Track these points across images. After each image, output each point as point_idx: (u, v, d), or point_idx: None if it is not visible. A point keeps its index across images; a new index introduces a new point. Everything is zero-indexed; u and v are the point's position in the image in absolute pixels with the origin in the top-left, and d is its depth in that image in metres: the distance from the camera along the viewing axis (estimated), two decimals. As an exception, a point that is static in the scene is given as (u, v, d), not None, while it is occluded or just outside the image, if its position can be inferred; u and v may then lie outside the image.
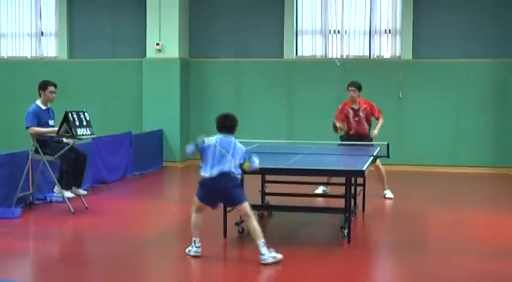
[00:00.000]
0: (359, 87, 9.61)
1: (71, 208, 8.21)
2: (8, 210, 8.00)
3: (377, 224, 8.41)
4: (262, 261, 5.92)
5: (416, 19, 13.05)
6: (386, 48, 13.31)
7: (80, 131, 8.15)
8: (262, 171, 7.36)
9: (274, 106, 13.51)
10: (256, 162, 6.18)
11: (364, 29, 13.31)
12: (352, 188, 7.51)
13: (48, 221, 8.12)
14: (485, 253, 6.63)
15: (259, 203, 8.19)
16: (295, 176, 7.91)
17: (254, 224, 6.04)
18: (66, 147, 8.32)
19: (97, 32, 14.34)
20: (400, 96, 13.03)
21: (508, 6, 12.75)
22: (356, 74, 12.28)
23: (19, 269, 6.17)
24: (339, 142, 9.65)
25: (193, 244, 6.25)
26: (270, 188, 8.39)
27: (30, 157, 8.42)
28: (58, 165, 8.45)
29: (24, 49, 14.83)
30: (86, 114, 8.40)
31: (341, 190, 7.30)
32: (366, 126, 9.63)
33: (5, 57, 14.93)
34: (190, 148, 6.16)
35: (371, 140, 9.52)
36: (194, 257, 6.21)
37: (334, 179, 8.50)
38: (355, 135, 9.55)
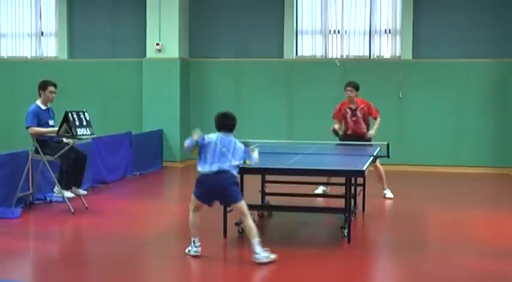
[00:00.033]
0: (356, 87, 9.62)
1: (71, 208, 8.21)
2: (8, 210, 8.00)
3: (377, 224, 8.41)
4: (256, 260, 5.94)
5: (416, 19, 13.05)
6: (387, 48, 13.31)
7: (80, 131, 8.15)
8: (262, 171, 7.39)
9: (274, 106, 13.51)
10: (255, 157, 6.27)
11: (364, 29, 13.31)
12: (352, 188, 7.51)
13: (48, 221, 8.12)
14: (485, 253, 6.63)
15: (259, 203, 8.19)
16: (295, 176, 7.91)
17: (250, 223, 6.06)
18: (66, 147, 8.32)
19: (97, 32, 14.34)
20: (400, 96, 13.03)
21: (508, 6, 12.75)
22: (356, 74, 12.29)
23: (19, 269, 6.17)
24: (338, 142, 9.65)
25: (192, 244, 6.25)
26: (270, 188, 8.39)
27: (30, 157, 8.42)
28: (58, 165, 8.45)
29: (24, 49, 14.83)
30: (86, 114, 8.40)
31: (341, 190, 7.30)
32: (364, 126, 9.64)
33: (5, 57, 14.93)
34: (189, 143, 6.15)
35: (369, 139, 9.53)
36: (194, 256, 6.21)
37: (334, 179, 8.50)
38: (353, 135, 9.56)
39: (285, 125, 13.42)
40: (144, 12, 13.43)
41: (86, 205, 8.57)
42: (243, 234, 6.94)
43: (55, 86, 8.63)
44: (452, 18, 12.99)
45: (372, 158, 7.70)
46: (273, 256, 5.98)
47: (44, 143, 8.39)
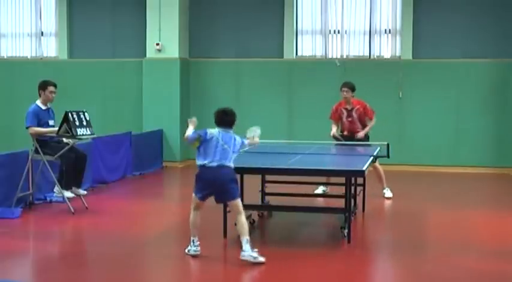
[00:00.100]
0: (352, 88, 9.63)
1: (71, 208, 8.21)
2: (8, 210, 8.00)
3: (377, 224, 8.41)
4: (241, 257, 5.97)
5: (416, 19, 13.05)
6: (387, 48, 13.30)
7: (80, 131, 8.15)
8: (262, 171, 7.39)
9: (274, 106, 13.51)
10: (246, 142, 6.39)
11: (364, 29, 13.31)
12: (352, 188, 7.51)
13: (48, 221, 8.12)
14: (485, 253, 6.63)
15: (259, 203, 8.19)
16: (295, 176, 7.91)
17: (243, 220, 6.10)
18: (66, 147, 8.32)
19: (97, 32, 14.34)
20: (400, 96, 13.03)
21: (508, 7, 12.74)
22: (356, 74, 12.30)
23: (19, 269, 6.17)
24: (336, 142, 9.66)
25: (192, 243, 6.26)
26: (270, 188, 8.39)
27: (30, 157, 8.42)
28: (58, 165, 8.46)
29: (24, 49, 14.82)
30: (86, 114, 8.40)
31: (341, 190, 7.30)
32: (359, 126, 9.65)
33: (5, 57, 14.93)
34: (192, 136, 6.15)
35: (367, 139, 9.54)
36: (194, 256, 6.21)
37: (334, 179, 8.51)
38: (349, 136, 9.58)
39: (285, 125, 13.42)
40: (144, 12, 13.43)
41: (86, 205, 8.57)
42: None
43: (55, 86, 8.63)
44: (452, 18, 12.98)
45: (371, 158, 7.70)
46: (260, 258, 5.96)
47: (44, 143, 8.39)
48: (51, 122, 8.58)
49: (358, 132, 9.61)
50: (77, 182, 8.45)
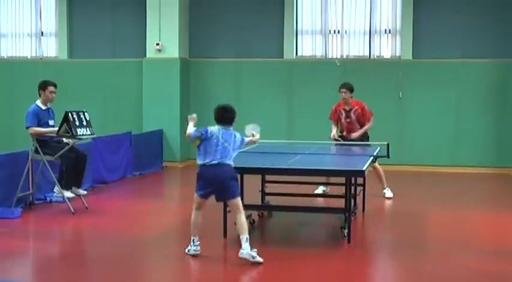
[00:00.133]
0: (350, 89, 9.64)
1: (71, 208, 8.21)
2: (8, 210, 8.00)
3: (377, 224, 8.41)
4: (240, 255, 5.98)
5: (416, 19, 13.05)
6: (386, 48, 13.30)
7: (80, 131, 8.15)
8: (262, 171, 7.39)
9: (274, 106, 13.51)
10: (246, 140, 6.38)
11: (364, 29, 13.31)
12: (352, 188, 7.51)
13: (48, 221, 8.12)
14: (485, 253, 6.63)
15: (259, 203, 8.19)
16: (295, 176, 7.91)
17: (243, 219, 6.10)
18: (66, 147, 8.32)
19: (97, 32, 14.34)
20: (400, 96, 13.03)
21: (508, 7, 12.74)
22: (356, 74, 12.31)
23: (19, 269, 6.17)
24: (335, 142, 9.67)
25: (191, 243, 6.26)
26: (270, 188, 8.39)
27: (30, 157, 8.42)
28: (58, 165, 8.45)
29: (24, 49, 14.82)
30: (86, 114, 8.40)
31: (341, 190, 7.30)
32: (358, 127, 9.66)
33: (5, 57, 14.93)
34: (193, 134, 6.15)
35: (367, 139, 9.55)
36: (193, 256, 6.21)
37: (334, 179, 8.51)
38: (348, 136, 9.59)
39: (285, 125, 13.42)
40: (144, 12, 13.43)
41: (86, 205, 8.57)
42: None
43: (55, 86, 8.63)
44: (452, 18, 12.98)
45: (371, 158, 7.70)
46: (259, 258, 5.96)
47: (44, 143, 8.39)
48: (51, 122, 8.58)
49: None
50: (77, 182, 8.45)
